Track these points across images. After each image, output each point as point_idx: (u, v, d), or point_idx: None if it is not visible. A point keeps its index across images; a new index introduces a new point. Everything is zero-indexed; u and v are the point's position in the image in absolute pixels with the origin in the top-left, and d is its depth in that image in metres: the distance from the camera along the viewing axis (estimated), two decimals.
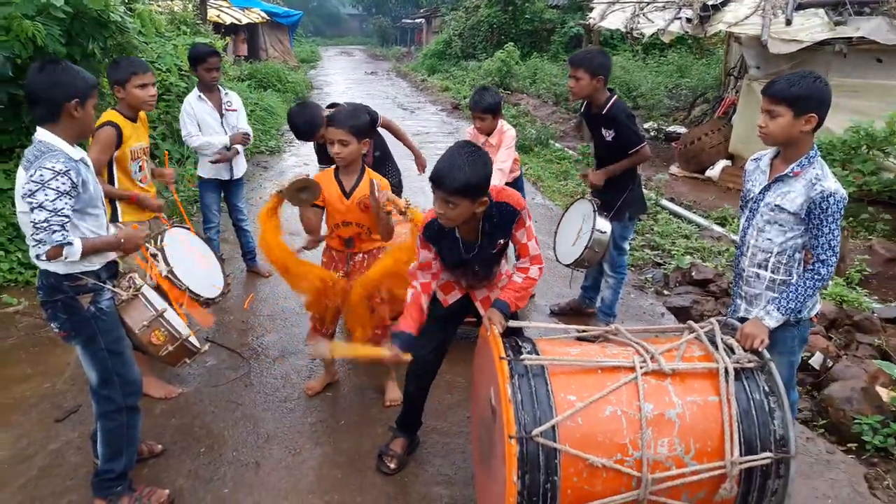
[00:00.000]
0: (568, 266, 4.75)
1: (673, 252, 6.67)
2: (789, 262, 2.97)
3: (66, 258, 2.65)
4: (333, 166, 3.76)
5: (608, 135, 4.53)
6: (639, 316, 5.46)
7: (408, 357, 3.06)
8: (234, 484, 3.42)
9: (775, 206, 2.93)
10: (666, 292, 5.96)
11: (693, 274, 5.98)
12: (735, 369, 2.64)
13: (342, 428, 3.89)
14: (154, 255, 3.54)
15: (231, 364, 4.59)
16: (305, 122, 4.31)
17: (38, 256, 2.63)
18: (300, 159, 11.14)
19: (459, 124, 14.84)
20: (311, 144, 5.05)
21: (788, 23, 8.15)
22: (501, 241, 3.05)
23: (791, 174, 2.88)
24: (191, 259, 3.81)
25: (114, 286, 2.96)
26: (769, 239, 2.99)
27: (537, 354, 2.70)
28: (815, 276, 2.86)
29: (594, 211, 4.53)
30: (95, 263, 2.88)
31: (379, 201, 3.50)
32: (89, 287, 2.83)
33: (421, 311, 3.17)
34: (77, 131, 2.81)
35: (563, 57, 21.36)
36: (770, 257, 3.00)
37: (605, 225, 4.51)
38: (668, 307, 5.61)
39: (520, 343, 2.78)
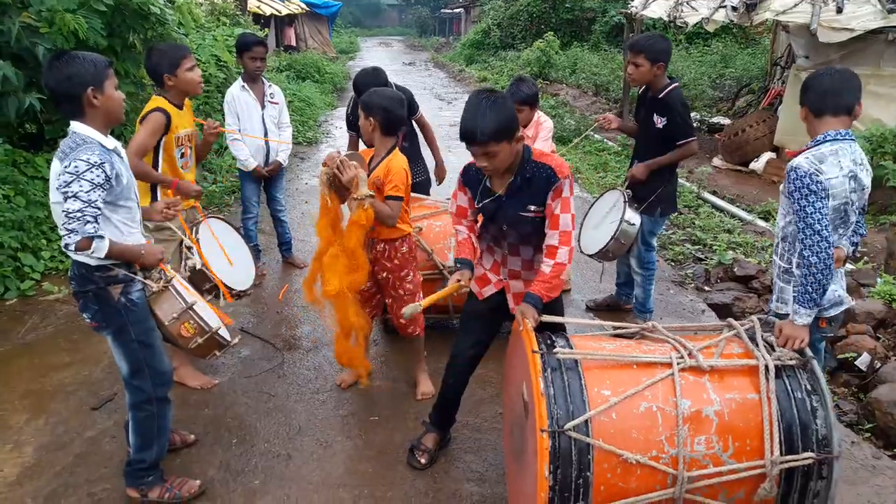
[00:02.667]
0: (591, 256, 4.65)
1: (715, 247, 6.50)
2: (790, 248, 2.90)
3: (92, 252, 2.65)
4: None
5: (659, 121, 4.40)
6: (678, 313, 5.33)
7: (468, 279, 3.10)
8: (265, 476, 3.42)
9: (781, 189, 2.89)
10: (707, 288, 5.81)
11: (735, 270, 5.83)
12: (776, 367, 2.55)
13: (374, 421, 3.87)
14: (189, 248, 3.55)
15: (265, 355, 4.60)
16: (371, 85, 4.47)
17: (66, 246, 2.63)
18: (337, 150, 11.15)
19: None
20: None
21: (839, 10, 7.87)
22: (533, 208, 2.91)
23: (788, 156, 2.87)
24: (224, 251, 3.81)
25: (144, 278, 2.96)
26: (778, 223, 2.96)
27: (571, 349, 2.64)
28: (804, 264, 2.70)
29: (625, 202, 4.42)
30: None
31: (347, 175, 3.36)
32: (120, 278, 2.84)
33: (473, 246, 3.21)
34: (105, 117, 2.77)
35: (603, 46, 21.08)
36: (779, 243, 2.96)
37: (634, 217, 4.40)
38: (708, 304, 5.47)
39: (553, 337, 2.73)
